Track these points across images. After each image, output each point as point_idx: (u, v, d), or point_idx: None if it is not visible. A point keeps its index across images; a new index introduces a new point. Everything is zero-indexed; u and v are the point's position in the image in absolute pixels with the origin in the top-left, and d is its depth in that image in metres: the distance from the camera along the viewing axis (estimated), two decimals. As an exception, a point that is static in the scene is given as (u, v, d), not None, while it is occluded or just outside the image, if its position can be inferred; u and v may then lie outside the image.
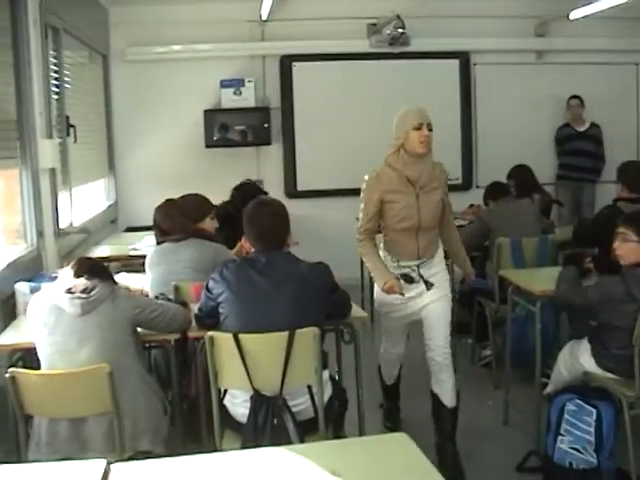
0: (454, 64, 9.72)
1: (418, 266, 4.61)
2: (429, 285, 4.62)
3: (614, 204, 5.81)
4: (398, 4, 8.72)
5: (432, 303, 4.67)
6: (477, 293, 6.24)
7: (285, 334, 3.55)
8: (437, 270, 4.71)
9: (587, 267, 4.80)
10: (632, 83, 10.22)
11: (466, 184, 9.68)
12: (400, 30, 8.79)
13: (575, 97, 9.63)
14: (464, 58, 9.74)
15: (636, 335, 4.14)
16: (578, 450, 4.33)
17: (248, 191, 6.20)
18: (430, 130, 4.46)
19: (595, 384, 4.49)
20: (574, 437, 4.35)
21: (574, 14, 9.07)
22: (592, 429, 4.31)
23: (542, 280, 4.93)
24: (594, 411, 4.32)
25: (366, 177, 4.56)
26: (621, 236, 4.37)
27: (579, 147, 9.53)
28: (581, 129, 9.61)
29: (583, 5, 8.76)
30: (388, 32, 9.02)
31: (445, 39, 9.45)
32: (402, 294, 4.49)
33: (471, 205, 7.83)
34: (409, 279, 4.59)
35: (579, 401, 4.37)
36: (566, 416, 4.38)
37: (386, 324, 4.94)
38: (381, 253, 4.69)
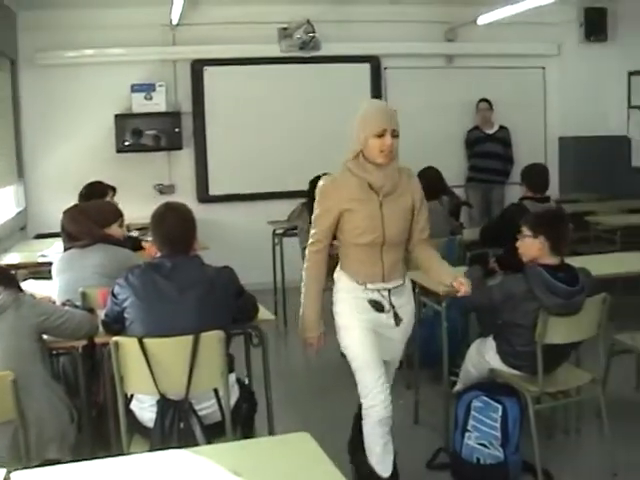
0: (365, 68, 9.86)
1: (389, 292, 3.96)
2: (398, 320, 3.98)
3: (520, 202, 5.95)
4: (309, 9, 8.82)
5: (394, 346, 4.09)
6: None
7: (190, 338, 3.55)
8: (406, 301, 4.08)
9: (492, 267, 4.90)
10: (539, 86, 10.49)
11: (378, 187, 9.73)
12: (310, 35, 8.85)
13: (484, 100, 9.85)
14: (375, 62, 9.87)
15: (538, 332, 4.24)
16: (485, 445, 4.42)
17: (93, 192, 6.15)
18: (396, 136, 3.81)
19: (501, 381, 4.58)
20: (481, 433, 4.44)
21: (481, 19, 9.26)
22: (498, 425, 4.41)
23: (449, 280, 5.01)
24: (500, 407, 4.42)
25: (321, 183, 3.96)
26: (521, 234, 4.48)
27: (488, 149, 9.73)
28: (490, 132, 9.81)
29: (490, 11, 8.94)
30: (298, 37, 9.07)
31: (356, 43, 9.57)
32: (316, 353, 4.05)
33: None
34: (379, 307, 3.94)
35: (485, 398, 4.46)
36: (473, 413, 4.47)
37: (354, 364, 3.99)
38: (340, 275, 4.03)
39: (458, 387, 4.88)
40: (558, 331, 4.28)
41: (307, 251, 4.01)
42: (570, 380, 4.59)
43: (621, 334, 5.24)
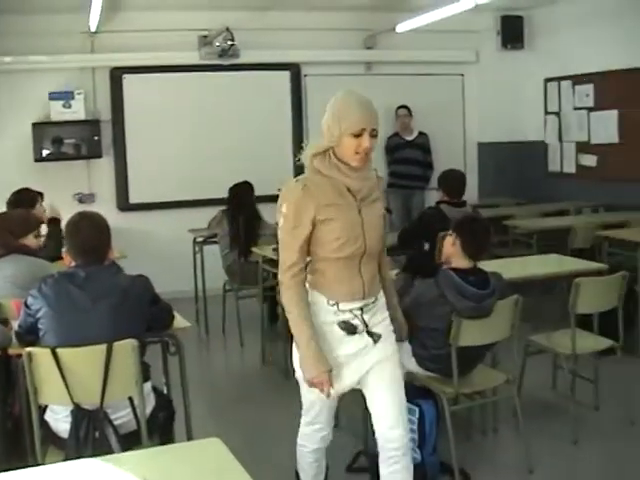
0: (285, 75, 9.90)
1: (362, 310, 3.47)
2: (375, 337, 3.49)
3: (436, 206, 6.04)
4: (229, 16, 8.82)
5: (378, 364, 3.54)
6: (307, 300, 6.32)
7: (103, 347, 3.53)
8: (383, 317, 3.60)
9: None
10: (458, 93, 10.65)
11: (299, 193, 9.77)
12: (230, 42, 8.87)
13: (403, 107, 9.96)
14: (295, 70, 9.92)
15: (452, 335, 4.31)
16: (403, 448, 4.47)
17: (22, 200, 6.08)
18: (374, 136, 3.31)
19: (418, 383, 4.64)
20: (398, 436, 4.48)
21: (400, 27, 9.37)
22: (415, 427, 4.46)
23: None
24: (416, 409, 4.48)
25: (287, 192, 3.35)
26: (447, 238, 4.55)
27: (408, 155, 9.84)
28: (409, 138, 9.93)
29: (409, 18, 9.06)
30: (218, 44, 9.08)
31: (275, 51, 9.59)
32: (328, 395, 3.42)
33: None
34: (351, 329, 3.45)
35: (402, 400, 4.51)
36: (390, 415, 4.51)
37: (309, 396, 3.61)
38: (309, 296, 3.46)
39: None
40: (471, 334, 4.36)
41: (282, 281, 3.40)
42: (485, 381, 4.68)
43: (537, 335, 5.36)
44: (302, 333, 3.36)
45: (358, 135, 3.25)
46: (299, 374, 3.51)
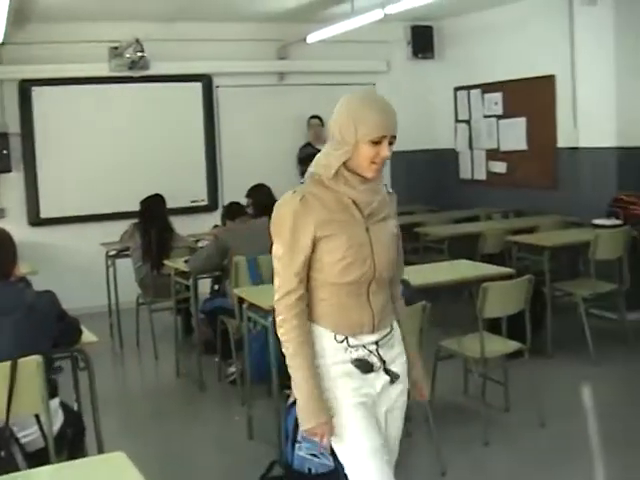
0: (196, 87, 9.87)
1: (377, 344, 2.96)
2: (394, 376, 2.99)
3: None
4: (140, 28, 8.79)
5: (390, 413, 3.04)
6: (220, 312, 6.33)
7: (7, 364, 3.49)
8: (398, 352, 3.07)
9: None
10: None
11: (212, 205, 9.80)
12: (140, 54, 8.80)
13: (315, 117, 10.03)
14: (206, 81, 9.90)
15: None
16: (315, 455, 4.48)
17: None
18: (392, 144, 2.84)
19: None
20: (311, 443, 4.48)
21: (310, 38, 9.42)
22: (327, 436, 4.48)
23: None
24: (328, 419, 4.49)
25: (283, 205, 2.87)
26: None
27: (321, 165, 9.86)
28: (322, 148, 9.94)
29: (319, 29, 9.12)
30: (128, 55, 9.01)
31: (186, 62, 9.57)
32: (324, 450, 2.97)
33: (215, 226, 7.92)
34: (367, 367, 2.93)
35: (313, 408, 4.52)
36: (302, 424, 4.53)
37: (353, 452, 2.95)
38: (315, 330, 2.91)
39: (292, 399, 4.94)
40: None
41: (277, 311, 2.89)
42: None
43: (447, 340, 5.44)
44: (301, 375, 2.83)
45: (377, 142, 2.78)
46: (337, 443, 2.96)
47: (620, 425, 5.24)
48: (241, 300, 5.31)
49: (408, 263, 6.45)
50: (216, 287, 7.38)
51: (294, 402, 4.62)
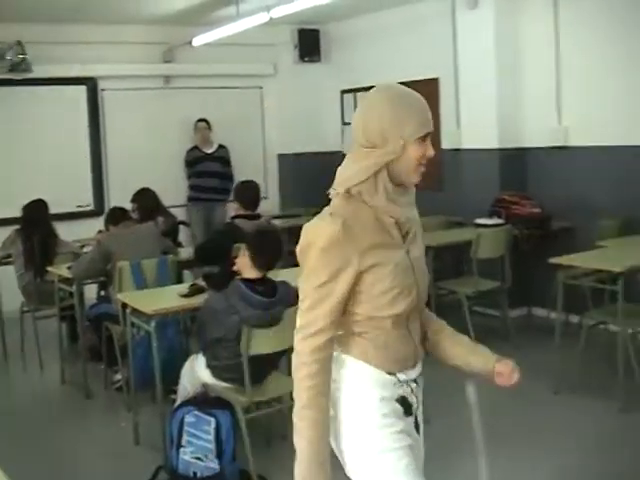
0: (81, 90, 9.71)
1: (416, 382, 2.61)
2: (418, 425, 2.65)
3: (232, 221, 6.10)
4: (21, 29, 8.62)
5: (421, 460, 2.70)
6: (105, 318, 6.25)
7: None
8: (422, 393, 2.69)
9: (199, 285, 5.01)
10: (257, 106, 10.80)
11: (98, 210, 9.61)
12: (21, 56, 8.64)
13: (202, 120, 10.01)
14: (91, 84, 9.75)
15: (242, 344, 4.37)
16: (200, 459, 4.50)
17: None
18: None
19: (214, 394, 4.68)
20: (195, 447, 4.51)
21: (196, 41, 9.41)
22: (212, 437, 4.50)
23: (160, 299, 5.08)
24: (212, 420, 4.51)
25: (312, 228, 2.43)
26: (241, 251, 4.61)
27: (208, 168, 9.86)
28: (209, 151, 9.96)
29: (205, 32, 9.11)
30: (9, 58, 8.81)
31: (71, 65, 9.41)
32: None
33: (100, 231, 7.81)
34: (408, 408, 2.56)
35: (197, 412, 4.54)
36: (186, 428, 4.53)
37: None
38: (350, 364, 2.50)
39: (177, 404, 4.93)
40: (262, 342, 4.43)
41: (298, 350, 2.42)
42: (279, 388, 4.75)
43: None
44: (310, 434, 2.37)
45: (424, 140, 2.44)
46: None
47: (503, 419, 5.36)
48: (125, 305, 5.26)
49: (294, 265, 6.56)
50: (102, 293, 7.28)
51: (179, 406, 4.69)
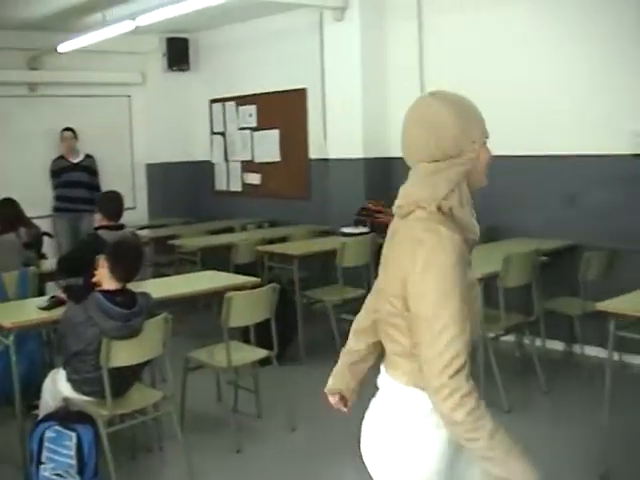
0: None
1: None
2: None
3: (95, 232, 6.03)
4: None
5: None
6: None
7: None
8: None
9: (60, 297, 4.94)
10: (125, 115, 10.70)
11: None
12: None
13: (68, 129, 9.84)
14: (-50, 91, 9.47)
15: (102, 357, 4.33)
16: (61, 475, 4.42)
17: None
18: None
19: (75, 408, 4.61)
20: (56, 463, 4.43)
21: (62, 47, 9.26)
22: (73, 452, 4.42)
23: (20, 312, 5.00)
24: (74, 434, 4.43)
25: (436, 238, 2.17)
26: (100, 262, 4.56)
27: (74, 178, 9.70)
28: (75, 161, 9.80)
29: (71, 38, 8.98)
30: None
31: None
32: None
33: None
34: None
35: (58, 427, 4.45)
36: (46, 444, 4.44)
37: None
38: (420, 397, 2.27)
39: (39, 419, 4.85)
40: (122, 354, 4.40)
41: (455, 385, 2.10)
42: (142, 400, 4.73)
43: (197, 350, 5.49)
44: (507, 447, 2.15)
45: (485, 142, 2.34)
46: None
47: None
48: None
49: (162, 275, 6.52)
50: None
51: (40, 421, 4.60)
